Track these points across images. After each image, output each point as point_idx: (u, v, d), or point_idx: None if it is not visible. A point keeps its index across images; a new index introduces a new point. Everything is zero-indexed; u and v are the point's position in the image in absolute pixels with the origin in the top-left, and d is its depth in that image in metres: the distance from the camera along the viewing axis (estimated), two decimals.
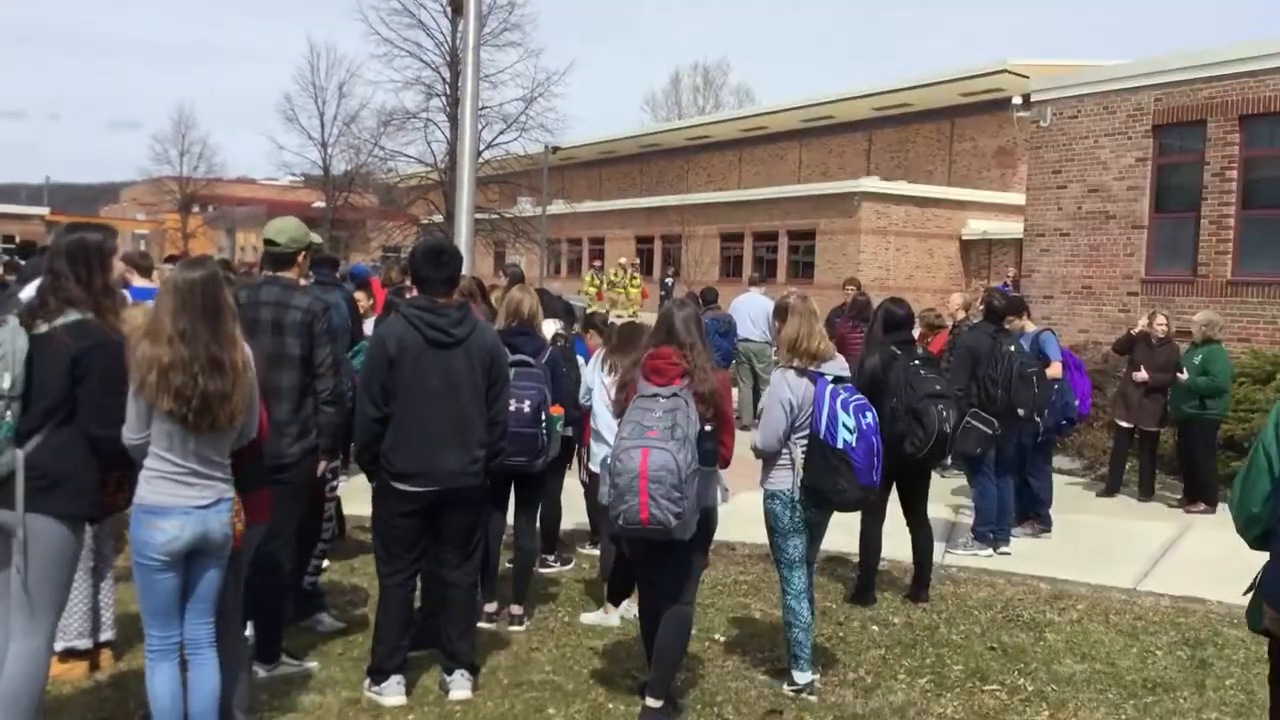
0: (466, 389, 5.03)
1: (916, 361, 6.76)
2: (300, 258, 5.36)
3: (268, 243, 5.36)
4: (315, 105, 42.93)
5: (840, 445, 5.10)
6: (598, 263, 25.63)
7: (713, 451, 4.98)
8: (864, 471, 5.15)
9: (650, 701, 4.97)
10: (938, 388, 6.65)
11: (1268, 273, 14.65)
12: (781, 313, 5.55)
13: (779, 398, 5.30)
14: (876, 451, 5.26)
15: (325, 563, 7.09)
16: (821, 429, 5.12)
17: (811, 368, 5.33)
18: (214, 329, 4.00)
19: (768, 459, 5.42)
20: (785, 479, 5.32)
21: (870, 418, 5.27)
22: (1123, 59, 18.57)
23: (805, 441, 5.28)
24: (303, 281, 6.09)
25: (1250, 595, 3.28)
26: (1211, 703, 5.55)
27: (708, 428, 4.95)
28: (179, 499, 3.94)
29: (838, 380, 5.31)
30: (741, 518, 8.70)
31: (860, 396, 5.36)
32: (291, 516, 5.19)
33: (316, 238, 5.54)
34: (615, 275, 21.99)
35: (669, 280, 32.20)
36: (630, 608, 6.21)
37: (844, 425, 5.09)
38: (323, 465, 5.30)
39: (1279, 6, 75.03)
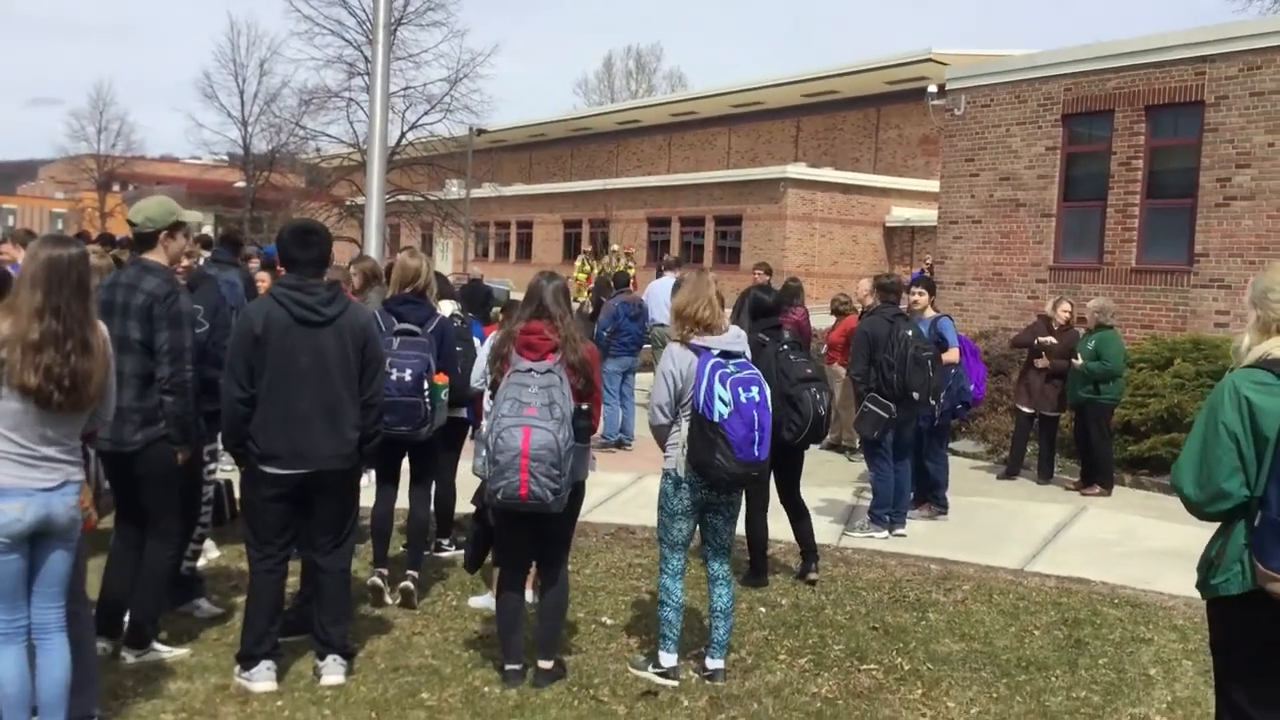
0: (337, 369, 4.97)
1: (785, 346, 6.78)
2: (165, 237, 5.22)
3: (129, 223, 5.26)
4: (235, 83, 42.30)
5: (715, 419, 5.06)
6: (588, 248, 25.17)
7: (586, 428, 5.09)
8: (741, 446, 5.09)
9: (542, 662, 5.23)
10: (809, 371, 6.69)
11: (1170, 261, 14.98)
12: (677, 287, 5.59)
13: (663, 370, 5.31)
14: (759, 426, 5.17)
15: (210, 546, 7.00)
16: (700, 403, 5.11)
17: (699, 340, 5.30)
18: (85, 308, 3.97)
19: (659, 436, 5.42)
20: (675, 457, 5.32)
21: (756, 393, 5.21)
22: (1039, 49, 18.86)
23: None
24: (185, 261, 5.99)
25: (1209, 567, 3.40)
26: (1082, 681, 5.66)
27: (584, 406, 5.04)
28: (23, 480, 3.85)
29: (726, 355, 5.27)
30: (644, 502, 8.76)
31: (749, 372, 5.28)
32: (165, 506, 5.11)
33: (188, 216, 5.39)
34: (611, 263, 21.60)
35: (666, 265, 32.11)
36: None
37: (719, 399, 5.07)
38: (179, 455, 5.17)
39: (1191, 4, 76.59)
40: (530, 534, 5.22)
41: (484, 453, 5.02)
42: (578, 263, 22.11)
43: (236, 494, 7.52)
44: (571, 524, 5.40)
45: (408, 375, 5.97)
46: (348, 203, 37.26)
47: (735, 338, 5.42)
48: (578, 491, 5.26)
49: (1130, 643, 6.29)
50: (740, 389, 5.15)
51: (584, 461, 5.22)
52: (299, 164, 43.19)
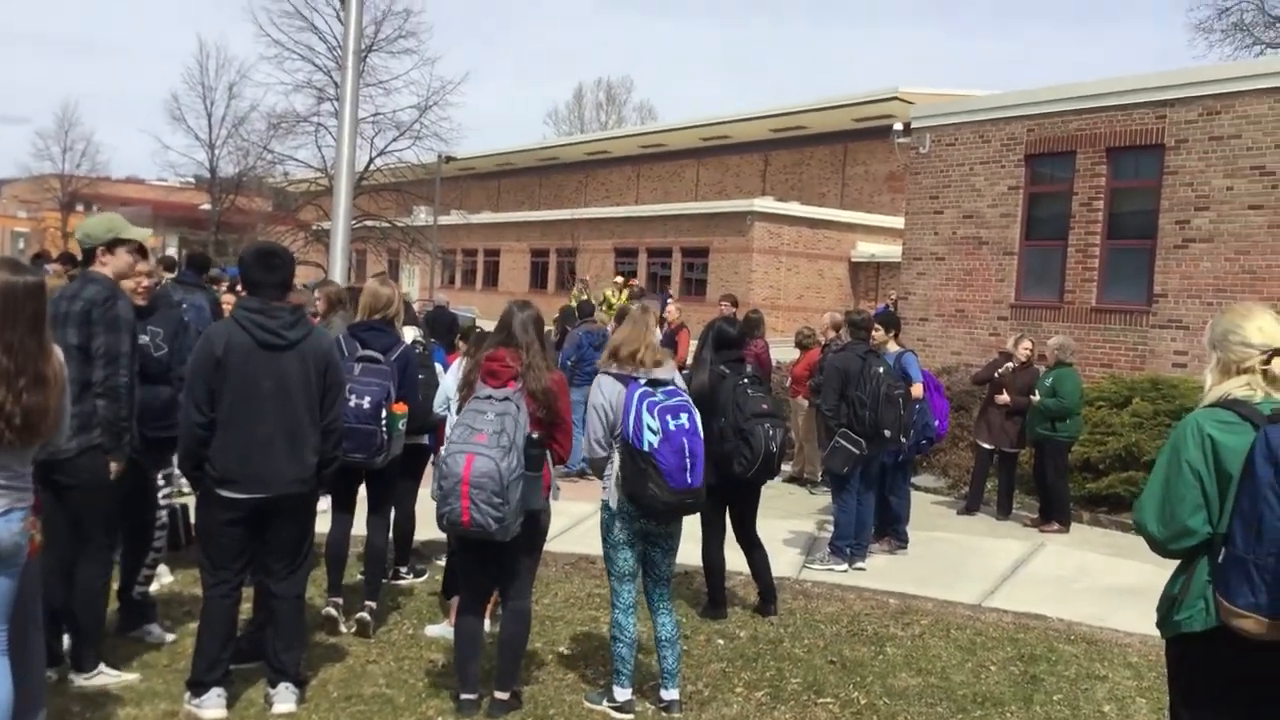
0: (299, 394, 4.94)
1: (745, 380, 6.78)
2: (103, 252, 5.20)
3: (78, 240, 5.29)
4: (204, 106, 42.10)
5: (645, 448, 5.04)
6: (619, 278, 24.90)
7: (538, 457, 5.03)
8: (673, 475, 5.05)
9: (498, 693, 5.18)
10: (764, 406, 6.69)
11: (1129, 301, 15.18)
12: (620, 318, 5.59)
13: (593, 403, 5.31)
14: (690, 453, 5.12)
15: (164, 571, 6.91)
16: (629, 432, 5.10)
17: (626, 370, 5.28)
18: (39, 340, 3.88)
19: (596, 468, 5.42)
20: (611, 489, 5.31)
21: (685, 420, 5.17)
22: (1004, 89, 19.13)
23: None
24: (146, 282, 5.93)
25: (1171, 604, 3.47)
26: (1037, 717, 5.68)
27: (534, 435, 5.00)
28: None
29: (655, 383, 5.25)
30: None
31: (678, 399, 5.24)
32: (95, 519, 5.04)
33: (133, 233, 5.35)
34: (612, 295, 21.30)
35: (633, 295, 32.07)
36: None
37: (648, 427, 5.06)
38: (113, 465, 5.10)
39: (1157, 47, 78.09)
40: (489, 562, 5.19)
41: (435, 477, 5.02)
42: (607, 292, 21.79)
43: (192, 519, 7.47)
44: (532, 555, 5.33)
45: (366, 402, 5.94)
46: (314, 227, 37.15)
47: (667, 368, 5.41)
48: (536, 521, 5.18)
49: (1085, 679, 6.32)
50: (669, 417, 5.13)
51: (536, 490, 5.12)
52: (266, 188, 43.04)
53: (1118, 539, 10.67)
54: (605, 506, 5.37)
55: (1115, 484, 11.29)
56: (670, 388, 5.28)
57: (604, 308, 18.81)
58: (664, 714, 5.36)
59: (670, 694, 5.41)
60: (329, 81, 33.00)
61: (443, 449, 5.55)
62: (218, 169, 41.66)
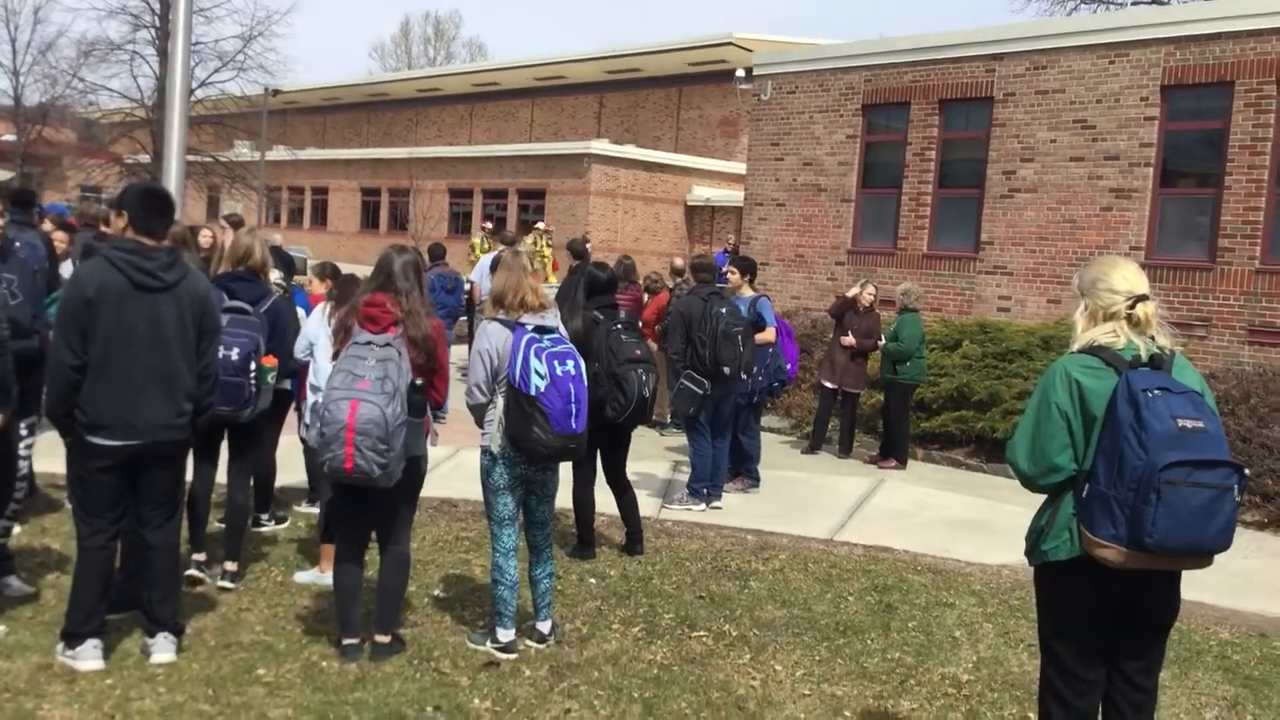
0: (174, 338, 4.79)
1: (619, 326, 6.89)
2: None
3: None
4: (6, 30, 39.34)
5: (532, 392, 5.11)
6: (488, 224, 23.89)
7: (420, 403, 5.08)
8: (559, 419, 5.14)
9: (379, 637, 5.21)
10: (638, 352, 6.81)
11: (958, 248, 15.86)
12: (495, 265, 5.61)
13: (478, 348, 5.33)
14: (575, 399, 5.22)
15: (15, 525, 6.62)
16: (516, 377, 5.15)
17: (513, 316, 5.33)
18: None
19: (477, 413, 5.44)
20: (492, 434, 5.35)
21: (571, 366, 5.26)
22: (841, 39, 19.58)
23: None
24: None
25: (1038, 535, 3.71)
26: (895, 643, 6.01)
27: (418, 381, 5.03)
28: None
29: (541, 330, 5.31)
30: (463, 474, 8.75)
31: (563, 346, 5.33)
32: None
33: None
34: (534, 242, 20.31)
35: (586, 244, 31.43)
36: None
37: (536, 372, 5.11)
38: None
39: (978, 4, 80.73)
40: (368, 507, 5.18)
41: (315, 424, 4.96)
42: (476, 240, 20.96)
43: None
44: (411, 500, 5.36)
45: (234, 354, 5.76)
46: (128, 160, 35.37)
47: (550, 313, 5.47)
48: (416, 466, 5.21)
49: (935, 607, 6.71)
50: (555, 362, 5.21)
51: (418, 436, 5.15)
52: (74, 119, 40.65)
53: (951, 474, 11.27)
54: (486, 452, 5.40)
55: (948, 423, 11.88)
56: (555, 335, 5.33)
57: (472, 259, 18.24)
58: (541, 646, 5.48)
59: (544, 624, 5.59)
60: (145, 8, 31.37)
61: (315, 396, 5.48)
62: (23, 98, 39.08)
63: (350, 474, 4.86)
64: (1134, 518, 3.40)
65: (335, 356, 5.17)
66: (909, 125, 16.36)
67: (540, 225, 23.70)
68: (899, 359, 11.15)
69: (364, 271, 6.20)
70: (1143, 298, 3.69)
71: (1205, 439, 3.43)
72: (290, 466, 7.80)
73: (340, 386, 4.88)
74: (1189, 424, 3.43)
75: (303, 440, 7.06)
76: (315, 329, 6.68)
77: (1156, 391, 3.47)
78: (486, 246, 19.27)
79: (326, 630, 5.48)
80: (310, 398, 6.63)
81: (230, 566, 6.16)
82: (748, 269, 9.96)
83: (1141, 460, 3.38)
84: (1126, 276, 3.75)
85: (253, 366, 5.89)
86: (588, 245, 16.07)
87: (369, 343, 4.98)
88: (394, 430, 4.86)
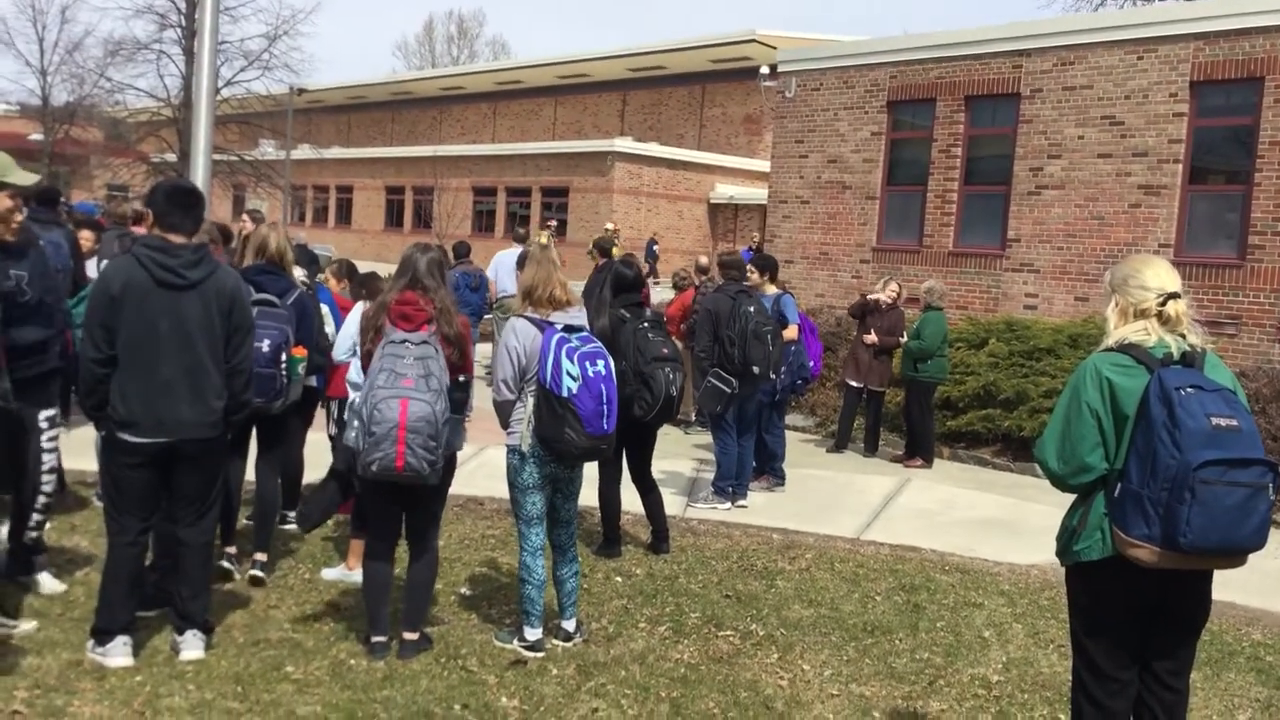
0: (200, 335, 4.80)
1: (645, 324, 6.86)
2: None
3: None
4: (34, 30, 39.74)
5: (564, 394, 5.10)
6: (552, 223, 24.00)
7: (461, 400, 5.13)
8: (591, 420, 5.14)
9: (408, 634, 5.22)
10: (665, 351, 6.78)
11: (984, 245, 15.77)
12: (523, 261, 5.60)
13: (506, 345, 5.33)
14: (607, 399, 5.22)
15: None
16: (547, 378, 5.14)
17: (544, 316, 5.33)
18: None
19: (502, 411, 5.43)
20: (521, 433, 5.35)
21: (602, 366, 5.25)
22: (863, 36, 19.51)
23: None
24: (18, 216, 5.65)
25: (1070, 535, 3.68)
26: (924, 643, 5.97)
27: (461, 378, 5.06)
28: None
29: (570, 329, 5.30)
30: (489, 472, 8.76)
31: (593, 345, 5.32)
32: None
33: (23, 176, 5.10)
34: (545, 239, 20.54)
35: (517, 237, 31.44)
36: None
37: (568, 373, 5.11)
38: None
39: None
40: (405, 506, 5.20)
41: (357, 424, 4.94)
42: (543, 237, 21.10)
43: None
44: (444, 497, 5.38)
45: (265, 346, 5.80)
46: (154, 159, 35.59)
47: (578, 311, 5.47)
48: (450, 464, 5.25)
49: (964, 607, 6.66)
50: (587, 363, 5.20)
51: (458, 433, 5.22)
52: (101, 117, 40.96)
53: (977, 473, 11.21)
54: (515, 451, 5.39)
55: (974, 421, 11.81)
56: (584, 333, 5.33)
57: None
58: (568, 646, 5.48)
59: (569, 622, 5.58)
60: (171, 7, 31.57)
61: (355, 395, 5.49)
62: (50, 97, 39.42)
63: (400, 473, 4.85)
64: (1168, 517, 3.37)
65: (366, 355, 5.16)
66: (934, 122, 16.27)
67: (552, 223, 23.95)
68: (920, 357, 11.10)
69: (388, 270, 6.21)
70: (1174, 295, 3.66)
71: (1239, 437, 3.39)
72: (316, 464, 7.81)
73: (386, 385, 4.86)
74: (1223, 422, 3.39)
75: (331, 438, 7.08)
76: (355, 331, 6.68)
77: (1190, 389, 3.43)
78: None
79: (354, 627, 5.50)
80: (351, 395, 6.64)
81: (260, 557, 6.20)
82: (768, 267, 9.91)
83: (1175, 459, 3.34)
84: (1158, 273, 3.73)
85: (283, 358, 5.93)
86: (617, 238, 16.01)
87: (404, 341, 4.97)
88: (442, 428, 4.89)
